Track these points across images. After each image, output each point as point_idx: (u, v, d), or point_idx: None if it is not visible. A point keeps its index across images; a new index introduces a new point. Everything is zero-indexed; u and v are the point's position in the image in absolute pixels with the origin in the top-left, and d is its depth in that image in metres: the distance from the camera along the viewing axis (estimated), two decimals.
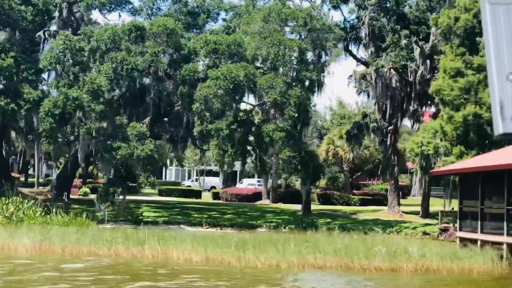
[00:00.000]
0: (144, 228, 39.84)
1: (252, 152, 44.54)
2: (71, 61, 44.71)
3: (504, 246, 28.88)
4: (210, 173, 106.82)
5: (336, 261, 20.87)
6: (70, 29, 50.93)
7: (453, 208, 44.65)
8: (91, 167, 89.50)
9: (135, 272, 20.30)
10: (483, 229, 30.98)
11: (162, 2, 54.69)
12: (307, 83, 45.42)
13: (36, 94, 46.04)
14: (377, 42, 52.47)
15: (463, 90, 40.69)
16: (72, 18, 52.66)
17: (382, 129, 51.92)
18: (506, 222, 28.91)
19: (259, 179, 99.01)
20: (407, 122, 56.32)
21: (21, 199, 38.72)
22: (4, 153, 57.23)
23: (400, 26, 51.61)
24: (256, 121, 45.28)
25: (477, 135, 40.23)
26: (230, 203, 65.46)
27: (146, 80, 47.74)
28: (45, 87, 49.38)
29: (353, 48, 54.61)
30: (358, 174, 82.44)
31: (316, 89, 47.16)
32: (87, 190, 63.77)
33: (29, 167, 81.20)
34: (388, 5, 52.49)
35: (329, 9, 53.62)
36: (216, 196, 76.46)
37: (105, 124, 45.93)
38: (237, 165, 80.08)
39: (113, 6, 53.53)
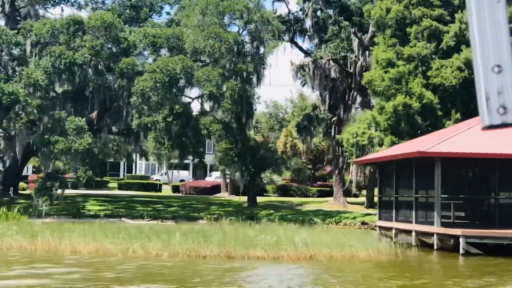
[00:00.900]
0: (82, 221, 40.38)
1: (189, 144, 44.66)
2: (7, 56, 44.62)
3: (413, 234, 29.27)
4: (180, 167, 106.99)
5: (218, 251, 21.13)
6: (14, 24, 50.83)
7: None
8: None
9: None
10: (398, 218, 31.38)
11: None
12: (245, 75, 45.55)
13: None
14: (321, 34, 52.79)
15: (393, 81, 41.05)
16: (16, 13, 52.56)
17: (326, 120, 52.29)
18: (415, 210, 29.29)
19: (227, 172, 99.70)
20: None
21: None
22: None
23: (343, 17, 51.92)
24: (194, 114, 45.39)
25: (408, 124, 40.60)
26: (185, 196, 65.69)
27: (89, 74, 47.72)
28: None
29: (299, 40, 54.96)
30: (320, 165, 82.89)
31: (256, 82, 47.39)
32: (25, 185, 63.54)
33: None
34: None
35: (273, 1, 53.98)
36: (176, 189, 76.61)
37: (46, 119, 45.90)
38: (209, 158, 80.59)
39: (57, 1, 53.45)
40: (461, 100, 40.44)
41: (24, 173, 69.25)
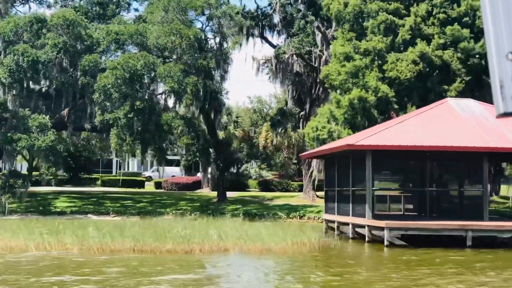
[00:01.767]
0: (46, 218, 40.77)
1: (151, 141, 44.90)
2: None
3: (350, 227, 29.44)
4: (173, 163, 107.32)
5: (130, 244, 21.39)
6: None
7: None
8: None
9: None
10: (339, 211, 31.54)
11: None
12: (207, 71, 45.71)
13: None
14: (289, 29, 52.91)
15: (350, 75, 41.13)
16: None
17: (294, 115, 52.45)
18: (352, 203, 29.45)
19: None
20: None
21: None
22: None
23: (311, 12, 52.02)
24: (156, 110, 45.61)
25: (365, 118, 40.68)
26: (161, 192, 66.01)
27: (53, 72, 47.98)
28: None
29: (268, 35, 55.09)
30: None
31: (219, 77, 47.57)
32: None
33: None
34: None
35: None
36: (159, 185, 76.92)
37: (9, 117, 46.24)
38: None
39: None
40: (417, 93, 40.50)
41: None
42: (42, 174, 45.95)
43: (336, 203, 31.87)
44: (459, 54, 40.00)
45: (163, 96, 46.36)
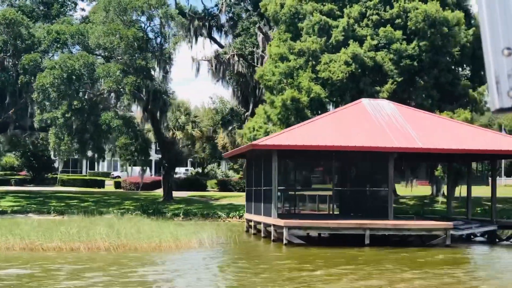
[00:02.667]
0: None
1: (90, 140, 44.99)
2: None
3: (262, 226, 29.69)
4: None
5: (20, 243, 21.58)
6: None
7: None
8: (10, 159, 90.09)
9: None
10: (255, 210, 31.79)
11: None
12: (146, 71, 45.86)
13: None
14: (235, 29, 53.20)
15: (283, 75, 41.44)
16: None
17: (240, 115, 52.72)
18: (263, 202, 29.70)
19: (187, 168, 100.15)
20: None
21: None
22: None
23: (257, 13, 52.32)
24: (96, 109, 45.70)
25: (298, 118, 40.96)
26: (114, 192, 66.09)
27: None
28: None
29: (216, 35, 55.37)
30: None
31: (161, 77, 47.72)
32: None
33: None
34: None
35: None
36: (118, 185, 76.99)
37: None
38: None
39: None
40: (350, 94, 40.81)
41: None
42: None
43: (252, 203, 32.14)
44: (391, 55, 40.38)
45: (105, 96, 46.37)
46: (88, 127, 44.77)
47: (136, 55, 45.31)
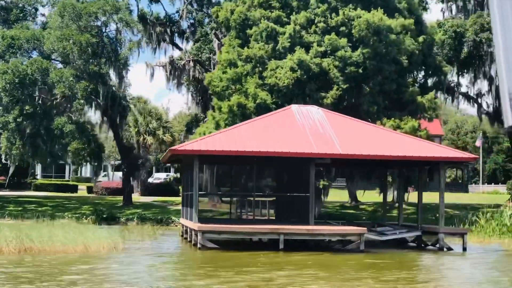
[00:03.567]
0: None
1: (42, 144, 45.26)
2: None
3: (188, 230, 29.91)
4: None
5: None
6: None
7: None
8: None
9: None
10: (186, 215, 32.03)
11: None
12: (101, 76, 46.16)
13: None
14: (195, 35, 53.53)
15: (231, 81, 41.72)
16: None
17: (200, 120, 52.97)
18: (189, 207, 29.94)
19: (167, 173, 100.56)
20: None
21: None
22: None
23: (216, 19, 52.58)
24: (50, 114, 46.00)
25: None
26: (86, 197, 66.26)
27: None
28: None
29: (178, 41, 55.69)
30: None
31: (117, 82, 48.03)
32: None
33: None
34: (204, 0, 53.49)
35: (150, 2, 54.63)
36: (90, 190, 77.20)
37: None
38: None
39: None
40: (296, 100, 41.04)
41: None
42: None
43: (184, 208, 32.40)
44: (337, 62, 40.64)
45: (58, 101, 46.67)
46: (42, 131, 45.02)
47: (90, 60, 45.61)
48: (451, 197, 65.83)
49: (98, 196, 70.71)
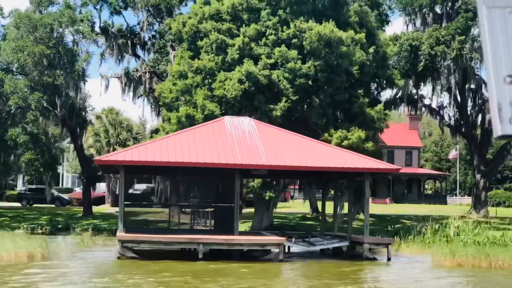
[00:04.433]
0: None
1: None
2: None
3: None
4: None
5: None
6: None
7: None
8: None
9: None
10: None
11: None
12: (55, 87, 46.43)
13: None
14: (155, 47, 53.88)
15: (180, 93, 42.03)
16: None
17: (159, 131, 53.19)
18: (123, 219, 30.06)
19: (148, 184, 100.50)
20: None
21: None
22: None
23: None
24: (3, 125, 46.21)
25: None
26: (49, 208, 66.31)
27: None
28: None
29: (140, 52, 56.00)
30: None
31: (74, 93, 48.28)
32: None
33: None
34: (164, 12, 53.85)
35: (111, 14, 54.93)
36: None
37: None
38: None
39: None
40: (245, 111, 41.34)
41: None
42: None
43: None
44: (287, 74, 40.95)
45: (13, 112, 46.88)
46: None
47: (45, 72, 45.88)
48: (423, 209, 66.17)
49: (72, 206, 70.89)
